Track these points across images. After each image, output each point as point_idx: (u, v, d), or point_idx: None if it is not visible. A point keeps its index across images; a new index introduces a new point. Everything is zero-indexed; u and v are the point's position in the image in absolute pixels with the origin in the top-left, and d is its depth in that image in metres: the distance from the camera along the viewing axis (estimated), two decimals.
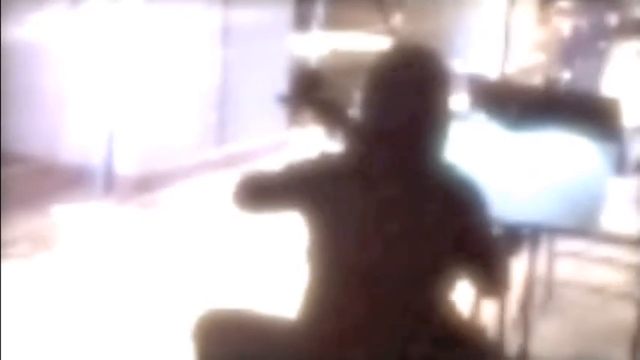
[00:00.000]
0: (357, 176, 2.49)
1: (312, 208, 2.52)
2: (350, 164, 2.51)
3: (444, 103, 2.47)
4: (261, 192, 2.64)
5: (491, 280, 2.57)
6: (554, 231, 3.65)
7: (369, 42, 8.50)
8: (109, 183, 5.96)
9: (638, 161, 5.22)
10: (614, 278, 4.91)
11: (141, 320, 4.17)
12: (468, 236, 2.51)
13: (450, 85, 2.49)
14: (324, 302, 2.53)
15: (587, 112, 3.59)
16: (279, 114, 6.92)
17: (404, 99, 2.42)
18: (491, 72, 7.25)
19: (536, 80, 4.07)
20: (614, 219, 3.59)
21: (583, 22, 8.29)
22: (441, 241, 2.49)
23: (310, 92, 2.70)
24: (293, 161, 2.60)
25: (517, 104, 3.54)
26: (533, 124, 3.33)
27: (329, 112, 2.63)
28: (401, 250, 2.45)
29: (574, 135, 3.25)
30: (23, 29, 5.97)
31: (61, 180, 5.84)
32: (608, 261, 4.98)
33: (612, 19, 8.48)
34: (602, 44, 8.22)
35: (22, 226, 5.06)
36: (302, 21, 8.00)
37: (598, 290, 4.76)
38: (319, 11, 8.23)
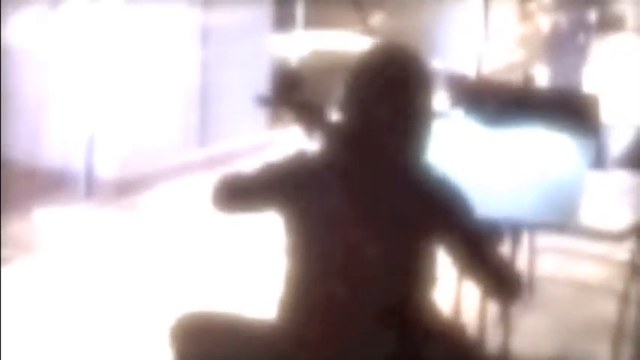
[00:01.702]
0: (335, 175, 2.49)
1: (290, 207, 2.52)
2: (328, 163, 2.51)
3: (425, 102, 2.47)
4: (238, 193, 2.65)
5: (498, 281, 2.55)
6: (534, 227, 3.65)
7: (349, 42, 8.50)
8: (90, 186, 5.95)
9: (617, 157, 5.23)
10: (596, 273, 4.93)
11: (122, 322, 4.17)
12: (457, 236, 2.51)
13: (431, 84, 2.49)
14: (302, 300, 2.53)
15: (565, 108, 3.60)
16: (260, 114, 6.91)
17: (384, 98, 2.42)
18: (472, 69, 7.26)
19: (518, 77, 4.09)
20: (594, 214, 3.60)
21: (563, 18, 8.31)
22: (419, 240, 2.49)
23: (289, 93, 2.70)
24: (269, 160, 2.60)
25: (495, 101, 3.55)
26: (512, 121, 3.33)
27: (307, 112, 2.63)
28: (379, 250, 2.45)
29: (552, 131, 3.26)
30: (2, 33, 5.94)
31: (42, 184, 5.82)
32: (590, 256, 5.00)
33: (592, 15, 8.50)
34: (581, 40, 8.24)
35: (3, 230, 5.04)
36: (282, 21, 7.98)
37: (580, 285, 4.77)
38: (299, 11, 8.22)
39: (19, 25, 6.00)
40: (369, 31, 7.72)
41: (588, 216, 3.32)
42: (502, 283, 2.55)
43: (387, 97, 2.42)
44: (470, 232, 2.53)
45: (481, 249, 2.54)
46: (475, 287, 2.60)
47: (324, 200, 2.48)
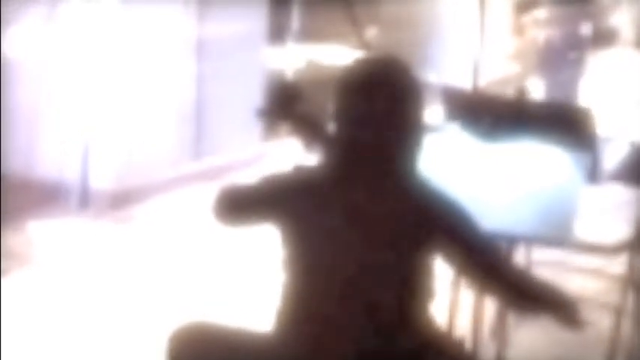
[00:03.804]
0: (333, 188, 2.49)
1: (288, 220, 2.52)
2: (325, 176, 2.52)
3: (415, 113, 2.46)
4: (238, 205, 2.66)
5: (515, 292, 2.56)
6: (529, 241, 3.66)
7: (345, 54, 8.51)
8: (85, 198, 5.94)
9: (612, 171, 5.24)
10: (591, 286, 4.92)
11: (117, 335, 4.16)
12: (458, 248, 2.51)
13: (420, 94, 2.48)
14: (299, 312, 2.53)
15: (559, 122, 3.60)
16: (255, 127, 6.90)
17: (372, 109, 2.41)
18: (466, 83, 7.27)
19: (511, 91, 4.10)
20: (589, 228, 3.60)
21: (557, 32, 8.31)
22: (416, 253, 2.49)
23: (289, 105, 2.71)
24: (269, 174, 2.61)
25: (490, 115, 3.55)
26: (507, 135, 3.34)
27: (307, 125, 2.64)
28: (375, 262, 2.45)
29: (547, 145, 3.27)
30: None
31: (37, 196, 5.81)
32: (585, 269, 4.99)
33: (586, 28, 8.50)
34: (576, 54, 8.25)
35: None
36: (277, 33, 7.99)
37: (574, 298, 4.76)
38: (294, 24, 8.23)
39: (13, 37, 6.00)
40: (364, 44, 7.73)
41: (583, 229, 3.32)
42: (519, 294, 2.56)
43: (374, 108, 2.41)
44: (471, 242, 2.53)
45: (487, 258, 2.55)
46: (494, 300, 2.59)
47: (321, 214, 2.49)
